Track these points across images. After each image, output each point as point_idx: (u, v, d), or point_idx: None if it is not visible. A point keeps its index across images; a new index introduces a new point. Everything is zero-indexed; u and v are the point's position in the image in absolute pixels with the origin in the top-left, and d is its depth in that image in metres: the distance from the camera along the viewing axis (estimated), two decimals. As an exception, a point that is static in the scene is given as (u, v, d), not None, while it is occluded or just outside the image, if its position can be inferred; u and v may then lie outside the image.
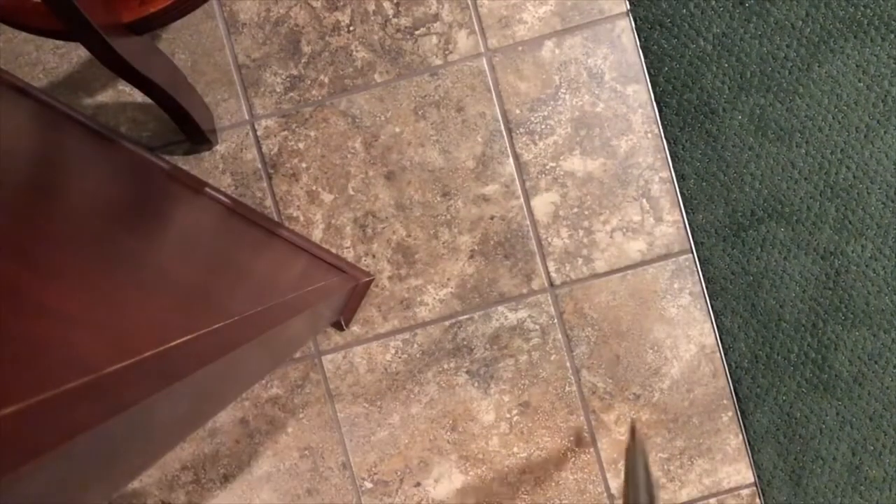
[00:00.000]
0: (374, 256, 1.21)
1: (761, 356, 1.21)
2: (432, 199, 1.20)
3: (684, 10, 1.16)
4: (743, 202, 1.19)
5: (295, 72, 1.20)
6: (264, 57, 1.20)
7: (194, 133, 1.14)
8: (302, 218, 1.21)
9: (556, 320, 1.21)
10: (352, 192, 1.21)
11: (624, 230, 1.20)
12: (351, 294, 1.15)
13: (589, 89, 1.19)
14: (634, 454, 1.05)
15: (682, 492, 1.24)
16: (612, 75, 1.18)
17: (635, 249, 1.20)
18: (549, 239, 1.20)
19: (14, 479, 0.33)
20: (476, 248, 1.20)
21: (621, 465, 1.22)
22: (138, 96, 1.07)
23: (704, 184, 1.18)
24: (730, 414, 1.22)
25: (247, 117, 1.20)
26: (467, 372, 1.22)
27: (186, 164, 1.20)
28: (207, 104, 1.20)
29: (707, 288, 1.20)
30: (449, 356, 1.22)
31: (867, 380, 1.20)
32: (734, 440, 1.23)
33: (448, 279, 1.21)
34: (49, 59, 1.21)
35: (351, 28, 1.19)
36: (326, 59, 1.19)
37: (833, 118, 1.17)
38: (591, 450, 1.22)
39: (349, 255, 1.21)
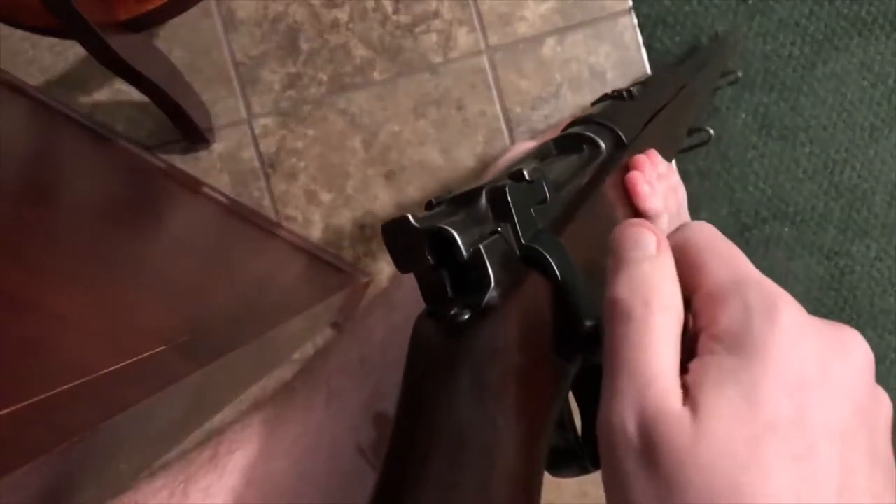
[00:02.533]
0: (373, 256, 1.20)
1: (765, 357, 1.20)
2: (432, 199, 1.19)
3: (687, 8, 1.15)
4: (747, 202, 1.18)
5: (293, 70, 1.19)
6: (262, 55, 1.19)
7: (191, 132, 1.13)
8: (300, 217, 1.20)
9: (557, 321, 1.20)
10: (351, 192, 1.19)
11: (626, 230, 1.19)
12: (349, 294, 1.14)
13: (591, 87, 1.17)
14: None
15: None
16: (615, 73, 1.17)
17: (637, 249, 1.19)
18: (551, 239, 1.19)
19: (13, 479, 0.32)
20: (477, 248, 1.19)
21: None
22: (135, 95, 1.05)
23: (708, 183, 1.17)
24: (733, 416, 1.21)
25: (244, 116, 1.19)
26: (468, 373, 1.21)
27: (184, 163, 1.19)
28: (205, 102, 1.19)
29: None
30: (449, 357, 1.21)
31: (872, 381, 1.19)
32: (737, 442, 1.22)
33: (448, 280, 1.20)
34: (45, 57, 1.19)
35: (350, 25, 1.18)
36: (325, 56, 1.18)
37: (838, 117, 1.16)
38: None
39: (348, 255, 1.20)
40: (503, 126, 1.18)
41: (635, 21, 1.17)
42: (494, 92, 1.18)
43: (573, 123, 0.50)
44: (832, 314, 1.19)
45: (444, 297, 0.29)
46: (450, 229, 0.28)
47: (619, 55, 1.17)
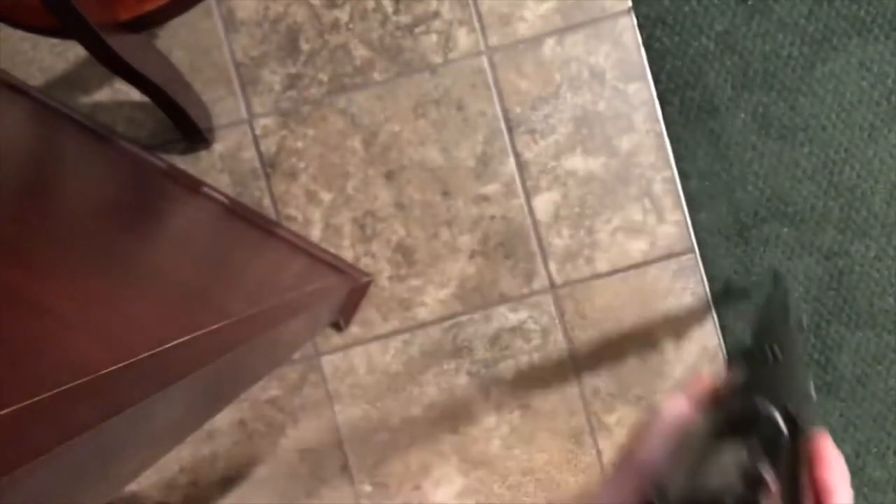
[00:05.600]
0: (373, 256, 1.20)
1: (765, 357, 1.20)
2: (432, 199, 1.19)
3: (686, 8, 1.16)
4: (746, 201, 1.18)
5: (293, 70, 1.19)
6: (262, 55, 1.19)
7: (191, 132, 1.13)
8: (300, 217, 1.20)
9: (557, 321, 1.20)
10: (351, 192, 1.20)
11: (626, 230, 1.19)
12: (350, 294, 1.14)
13: (590, 87, 1.18)
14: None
15: (685, 494, 1.23)
16: (614, 73, 1.17)
17: (637, 249, 1.19)
18: (551, 239, 1.19)
19: (12, 480, 0.32)
20: (476, 248, 1.19)
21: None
22: (135, 95, 1.06)
23: (707, 183, 1.17)
24: (732, 415, 1.21)
25: (245, 116, 1.19)
26: (468, 373, 1.21)
27: (184, 163, 1.19)
28: (205, 103, 1.19)
29: (710, 288, 1.19)
30: (449, 357, 1.21)
31: (871, 381, 1.19)
32: (737, 442, 1.22)
33: (448, 279, 1.20)
34: (45, 58, 1.20)
35: (350, 26, 1.18)
36: (325, 57, 1.18)
37: (836, 117, 1.16)
38: (593, 451, 1.21)
39: (348, 255, 1.20)
40: (503, 126, 1.18)
41: (635, 21, 1.17)
42: (494, 92, 1.18)
43: (737, 391, 0.47)
44: (831, 314, 1.19)
45: None
46: None
47: (618, 55, 1.17)
